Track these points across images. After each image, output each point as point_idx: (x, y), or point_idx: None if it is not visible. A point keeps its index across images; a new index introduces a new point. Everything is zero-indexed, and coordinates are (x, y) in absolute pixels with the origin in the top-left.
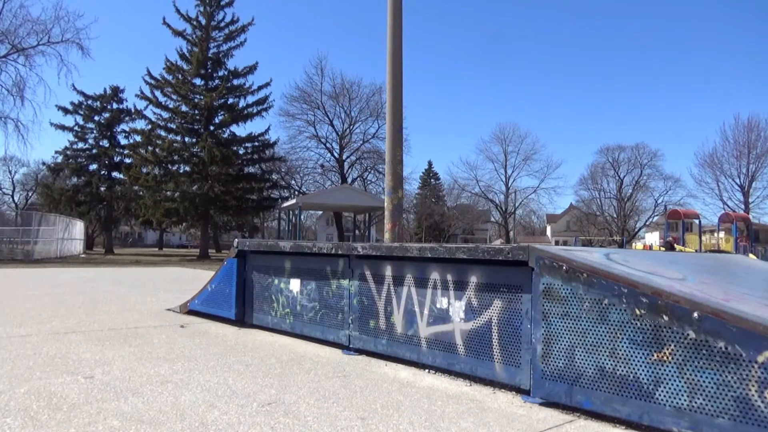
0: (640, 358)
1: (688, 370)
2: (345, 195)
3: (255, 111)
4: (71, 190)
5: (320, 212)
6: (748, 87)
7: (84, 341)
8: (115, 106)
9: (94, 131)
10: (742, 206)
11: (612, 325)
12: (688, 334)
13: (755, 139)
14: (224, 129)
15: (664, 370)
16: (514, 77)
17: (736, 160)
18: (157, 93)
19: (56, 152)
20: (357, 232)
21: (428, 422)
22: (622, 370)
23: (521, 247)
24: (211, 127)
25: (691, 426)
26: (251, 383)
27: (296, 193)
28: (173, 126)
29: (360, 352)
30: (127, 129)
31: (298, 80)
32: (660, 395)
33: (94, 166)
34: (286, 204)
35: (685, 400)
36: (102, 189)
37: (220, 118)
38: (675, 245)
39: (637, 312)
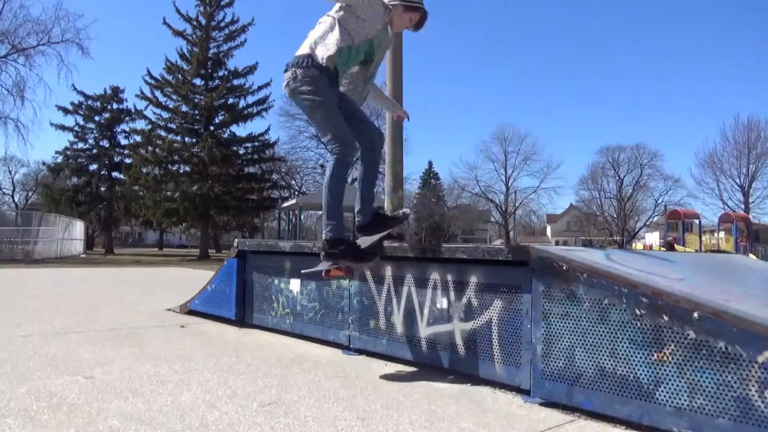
0: (640, 358)
1: (688, 370)
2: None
3: (255, 111)
4: (71, 190)
5: (320, 212)
6: (748, 87)
7: (84, 341)
8: (115, 106)
9: (94, 131)
10: (742, 206)
11: (612, 325)
12: (688, 334)
13: (755, 139)
14: (224, 129)
15: (664, 370)
16: (513, 77)
17: (736, 160)
18: (157, 93)
19: (56, 152)
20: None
21: (428, 422)
22: (622, 370)
23: (521, 247)
24: (211, 128)
25: (691, 426)
26: (251, 383)
27: (296, 193)
28: (173, 126)
29: (360, 352)
30: (127, 129)
31: None
32: (660, 395)
33: (94, 166)
34: (286, 204)
35: (685, 401)
36: (102, 189)
37: (220, 118)
38: (675, 245)
39: (637, 312)
